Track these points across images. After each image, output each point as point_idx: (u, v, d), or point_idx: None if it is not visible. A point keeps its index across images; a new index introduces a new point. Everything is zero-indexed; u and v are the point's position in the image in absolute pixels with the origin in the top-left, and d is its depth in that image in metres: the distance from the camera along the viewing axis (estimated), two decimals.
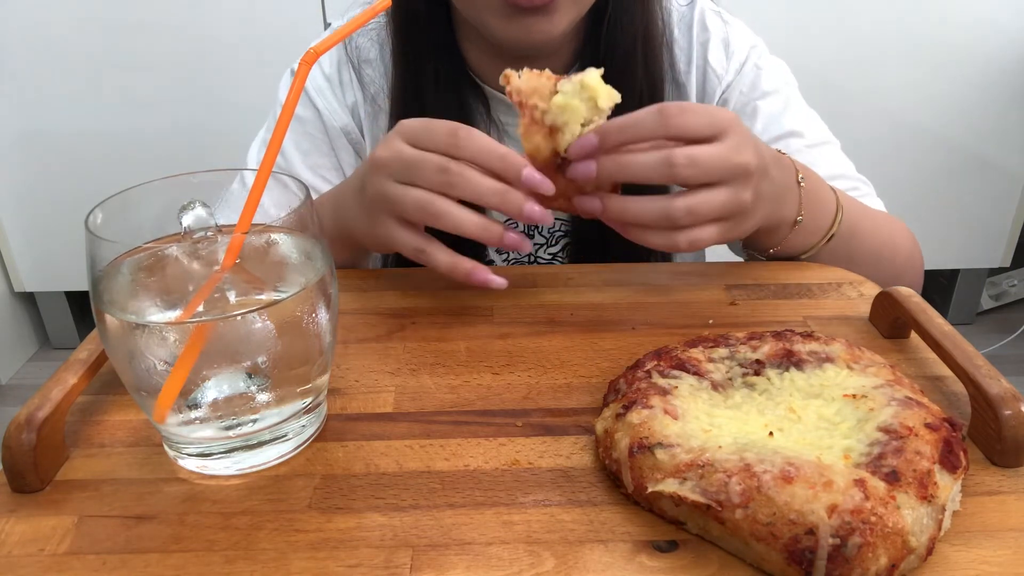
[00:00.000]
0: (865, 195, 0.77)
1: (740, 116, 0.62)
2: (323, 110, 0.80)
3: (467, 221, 0.55)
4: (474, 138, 0.54)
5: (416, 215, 0.55)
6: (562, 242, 0.81)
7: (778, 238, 0.64)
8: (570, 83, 0.54)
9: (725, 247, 0.82)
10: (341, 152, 0.81)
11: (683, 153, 0.53)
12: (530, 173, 0.53)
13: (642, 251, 0.78)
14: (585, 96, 0.54)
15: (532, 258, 0.81)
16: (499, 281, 0.57)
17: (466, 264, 0.56)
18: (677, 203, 0.54)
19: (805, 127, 0.78)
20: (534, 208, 0.54)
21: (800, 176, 0.63)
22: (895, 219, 0.76)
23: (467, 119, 0.75)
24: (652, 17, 0.74)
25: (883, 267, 0.68)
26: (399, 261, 0.76)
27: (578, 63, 0.76)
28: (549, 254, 0.82)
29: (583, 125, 0.54)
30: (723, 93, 0.79)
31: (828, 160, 0.77)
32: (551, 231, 0.81)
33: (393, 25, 0.77)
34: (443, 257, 0.57)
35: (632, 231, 0.57)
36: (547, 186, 0.54)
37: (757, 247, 0.66)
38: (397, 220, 0.57)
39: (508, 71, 0.55)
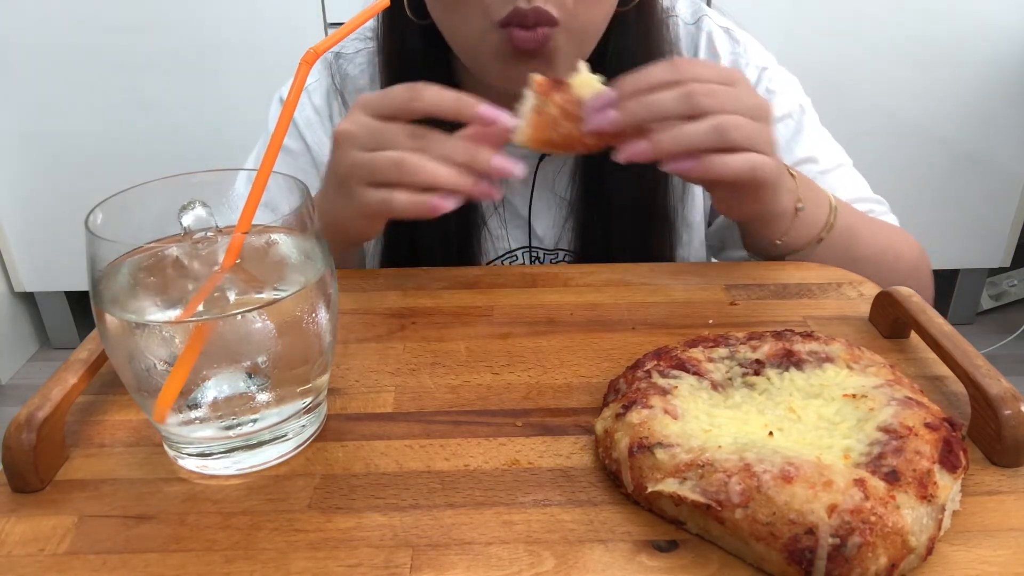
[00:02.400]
0: (881, 214, 0.77)
1: None
2: (312, 144, 0.78)
3: (442, 171, 0.55)
4: (429, 88, 0.56)
5: (390, 173, 0.55)
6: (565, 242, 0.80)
7: (784, 225, 0.64)
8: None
9: (732, 250, 0.82)
10: None
11: (701, 86, 0.54)
12: (486, 108, 0.55)
13: (640, 247, 0.77)
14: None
15: (532, 258, 0.81)
16: (449, 204, 0.55)
17: (426, 199, 0.56)
18: (726, 118, 0.54)
19: (819, 151, 0.77)
20: (502, 160, 0.55)
21: (790, 169, 0.65)
22: (900, 230, 0.76)
23: None
24: (657, 43, 0.73)
25: (884, 272, 0.69)
26: (397, 260, 0.75)
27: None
28: (553, 249, 0.81)
29: None
30: None
31: (845, 184, 0.76)
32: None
33: (387, 60, 0.74)
34: (404, 198, 0.56)
35: (680, 161, 0.56)
36: (504, 117, 0.55)
37: (765, 237, 0.66)
38: (368, 186, 0.57)
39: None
